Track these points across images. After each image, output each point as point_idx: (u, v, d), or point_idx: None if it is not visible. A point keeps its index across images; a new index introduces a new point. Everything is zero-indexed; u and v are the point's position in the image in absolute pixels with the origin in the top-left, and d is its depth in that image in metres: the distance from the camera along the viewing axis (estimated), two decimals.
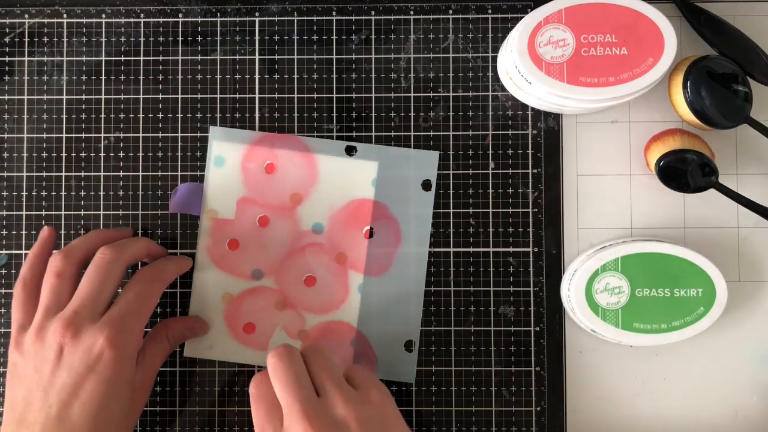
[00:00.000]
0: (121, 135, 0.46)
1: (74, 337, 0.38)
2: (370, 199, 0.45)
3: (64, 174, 0.46)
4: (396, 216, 0.45)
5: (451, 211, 0.45)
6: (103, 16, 0.46)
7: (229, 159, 0.45)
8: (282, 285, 0.45)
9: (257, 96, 0.46)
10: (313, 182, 0.45)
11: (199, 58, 0.46)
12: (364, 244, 0.45)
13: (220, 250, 0.45)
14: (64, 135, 0.46)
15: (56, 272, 0.40)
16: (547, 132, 0.46)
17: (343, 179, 0.45)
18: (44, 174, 0.46)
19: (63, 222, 0.46)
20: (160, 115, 0.46)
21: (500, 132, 0.46)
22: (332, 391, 0.37)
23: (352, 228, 0.45)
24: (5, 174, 0.46)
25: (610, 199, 0.45)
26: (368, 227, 0.45)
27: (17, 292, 0.41)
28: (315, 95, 0.46)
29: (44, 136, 0.46)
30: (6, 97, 0.46)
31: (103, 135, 0.46)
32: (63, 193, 0.46)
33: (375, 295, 0.45)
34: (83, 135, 0.46)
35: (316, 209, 0.45)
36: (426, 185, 0.45)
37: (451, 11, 0.46)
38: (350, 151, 0.45)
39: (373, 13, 0.46)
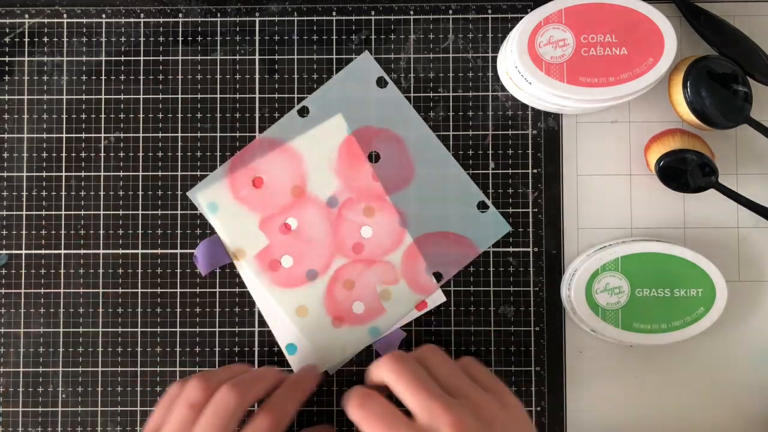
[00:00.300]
0: (121, 135, 0.46)
1: None
2: (349, 135, 0.45)
3: (64, 174, 0.46)
4: (376, 125, 0.45)
5: None
6: (103, 16, 0.46)
7: (220, 199, 0.45)
8: (338, 265, 0.45)
9: (257, 96, 0.46)
10: (300, 164, 0.45)
11: (199, 58, 0.46)
12: (371, 173, 0.45)
13: (278, 277, 0.45)
14: (64, 135, 0.46)
15: (190, 403, 0.38)
16: (547, 132, 0.46)
17: (318, 141, 0.45)
18: (44, 174, 0.46)
19: (63, 222, 0.46)
20: (160, 115, 0.46)
21: (500, 132, 0.46)
22: (469, 392, 0.36)
23: (355, 170, 0.45)
24: (5, 174, 0.46)
25: (610, 199, 0.45)
26: (370, 152, 0.45)
27: (170, 398, 0.40)
28: None
29: (44, 136, 0.46)
30: (6, 97, 0.46)
31: (103, 135, 0.46)
32: (63, 193, 0.46)
33: (417, 198, 0.45)
34: (83, 135, 0.46)
35: (319, 184, 0.45)
36: (379, 83, 0.45)
37: (451, 11, 0.46)
38: (303, 113, 0.45)
39: (373, 13, 0.46)
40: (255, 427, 0.37)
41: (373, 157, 0.45)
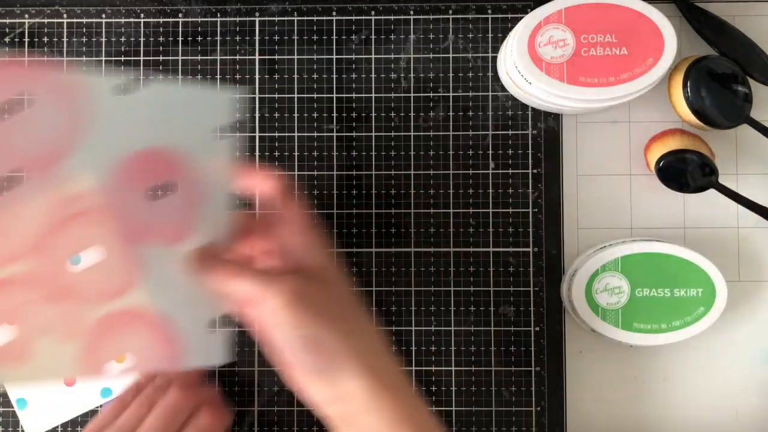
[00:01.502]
0: None
1: None
2: (160, 149, 0.34)
3: None
4: (194, 168, 0.35)
5: (451, 211, 0.45)
6: (103, 16, 0.46)
7: None
8: (43, 270, 0.33)
9: (257, 96, 0.46)
10: (80, 127, 0.32)
11: (199, 58, 0.46)
12: (155, 207, 0.34)
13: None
14: None
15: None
16: (547, 132, 0.46)
17: (122, 123, 0.33)
18: None
19: None
20: None
21: (500, 132, 0.46)
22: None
23: (136, 187, 0.34)
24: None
25: (610, 199, 0.45)
26: (160, 184, 0.34)
27: (119, 401, 0.41)
28: (315, 95, 0.46)
29: None
30: None
31: None
32: None
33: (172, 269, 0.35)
34: None
35: (86, 163, 0.32)
36: (220, 131, 0.35)
37: (451, 11, 0.46)
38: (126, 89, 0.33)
39: (373, 13, 0.46)
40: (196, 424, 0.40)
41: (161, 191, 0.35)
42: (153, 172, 0.34)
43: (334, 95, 0.46)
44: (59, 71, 0.32)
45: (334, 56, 0.46)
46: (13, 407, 0.45)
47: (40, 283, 0.33)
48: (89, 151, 0.32)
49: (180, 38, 0.46)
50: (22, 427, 0.45)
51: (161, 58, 0.46)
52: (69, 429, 0.45)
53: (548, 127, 0.46)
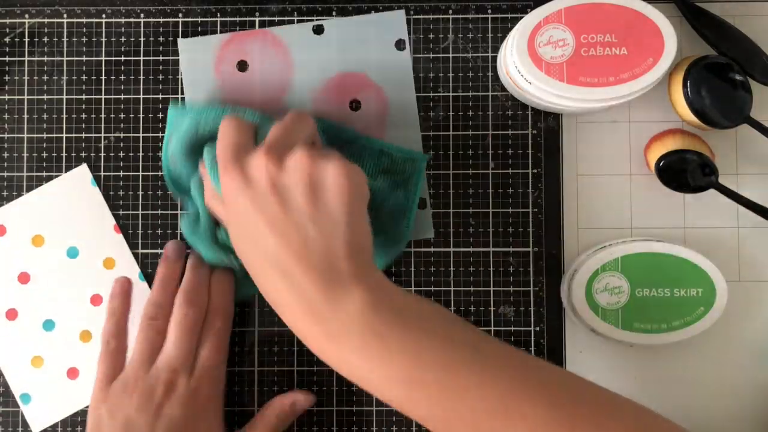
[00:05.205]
0: (121, 135, 0.46)
1: (171, 392, 0.40)
2: (348, 72, 0.45)
3: (64, 174, 0.46)
4: (377, 81, 0.45)
5: (451, 211, 0.45)
6: (103, 16, 0.46)
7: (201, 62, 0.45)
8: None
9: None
10: (290, 71, 0.45)
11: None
12: (351, 118, 0.45)
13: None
14: (64, 135, 0.46)
15: (155, 329, 0.42)
16: (547, 132, 0.46)
17: (316, 60, 0.45)
18: (44, 174, 0.46)
19: None
20: (160, 115, 0.46)
21: (500, 132, 0.46)
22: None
23: (337, 105, 0.45)
24: (5, 174, 0.46)
25: (610, 199, 0.45)
26: (352, 99, 0.45)
27: (103, 347, 0.43)
28: None
29: (44, 136, 0.46)
30: (6, 97, 0.46)
31: (103, 135, 0.46)
32: None
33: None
34: (83, 135, 0.46)
35: (297, 97, 0.45)
36: (399, 45, 0.45)
37: (451, 11, 0.46)
38: (318, 31, 0.45)
39: (373, 12, 0.46)
40: (210, 330, 0.42)
41: (357, 105, 0.45)
42: (347, 90, 0.45)
43: None
44: (267, 33, 0.45)
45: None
46: (12, 407, 0.45)
47: None
48: (299, 84, 0.45)
49: (180, 38, 0.46)
50: (23, 422, 0.45)
51: (161, 58, 0.46)
52: (72, 424, 0.45)
53: (548, 127, 0.46)
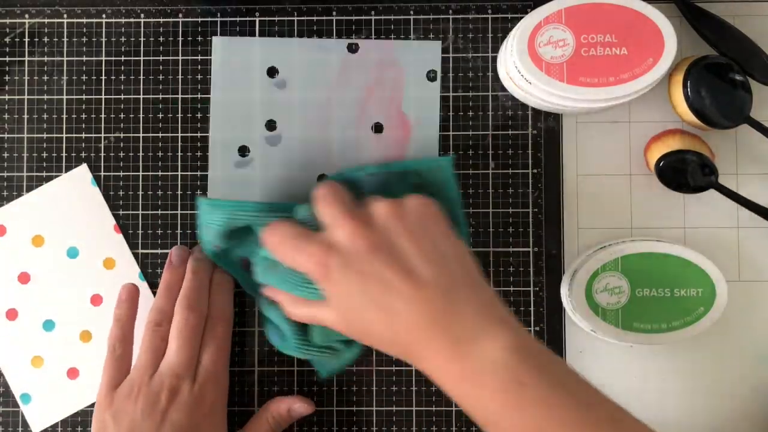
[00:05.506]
0: (121, 135, 0.46)
1: (174, 397, 0.40)
2: (375, 95, 0.45)
3: (64, 174, 0.46)
4: (404, 108, 0.45)
5: None
6: (103, 16, 0.46)
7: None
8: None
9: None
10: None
11: (199, 58, 0.46)
12: (372, 141, 0.45)
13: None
14: (64, 135, 0.46)
15: (160, 335, 0.42)
16: (547, 132, 0.46)
17: (345, 79, 0.45)
18: (44, 174, 0.46)
19: None
20: (160, 115, 0.46)
21: (500, 132, 0.46)
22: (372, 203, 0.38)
23: (362, 125, 0.45)
24: (5, 174, 0.46)
25: (610, 199, 0.45)
26: (375, 123, 0.45)
27: (109, 353, 0.42)
28: None
29: (44, 136, 0.46)
30: (6, 97, 0.46)
31: (103, 135, 0.46)
32: None
33: None
34: (83, 135, 0.46)
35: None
36: (430, 76, 0.45)
37: (451, 11, 0.46)
38: (353, 49, 0.45)
39: (373, 13, 0.46)
40: (211, 334, 0.42)
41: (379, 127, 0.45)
42: (372, 112, 0.45)
43: None
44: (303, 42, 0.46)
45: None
46: (12, 407, 0.45)
47: None
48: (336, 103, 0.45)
49: (180, 38, 0.46)
50: (23, 422, 0.45)
51: (161, 58, 0.46)
52: (72, 424, 0.45)
53: (548, 127, 0.46)
